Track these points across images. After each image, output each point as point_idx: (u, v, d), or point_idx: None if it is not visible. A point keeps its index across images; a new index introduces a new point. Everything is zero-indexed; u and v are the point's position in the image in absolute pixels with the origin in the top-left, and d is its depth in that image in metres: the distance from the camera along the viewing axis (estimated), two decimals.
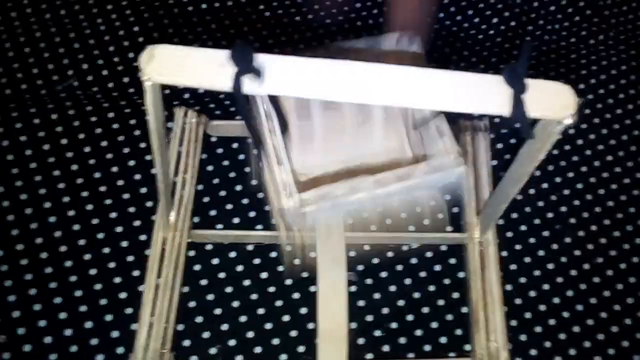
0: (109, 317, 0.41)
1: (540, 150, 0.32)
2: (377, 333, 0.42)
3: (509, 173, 0.37)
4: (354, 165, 0.42)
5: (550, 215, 0.48)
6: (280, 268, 0.43)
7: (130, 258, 0.43)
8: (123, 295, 0.41)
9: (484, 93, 0.28)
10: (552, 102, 0.28)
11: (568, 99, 0.29)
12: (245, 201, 0.46)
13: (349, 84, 0.28)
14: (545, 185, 0.49)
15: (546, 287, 0.45)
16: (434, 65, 0.28)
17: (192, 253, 0.43)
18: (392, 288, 0.44)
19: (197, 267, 0.43)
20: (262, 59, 0.27)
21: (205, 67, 0.27)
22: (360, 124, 0.42)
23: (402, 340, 0.42)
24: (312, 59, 0.28)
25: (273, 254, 0.43)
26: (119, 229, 0.43)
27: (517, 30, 0.58)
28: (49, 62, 0.51)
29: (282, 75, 0.28)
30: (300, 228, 0.39)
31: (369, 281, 0.44)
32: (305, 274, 0.43)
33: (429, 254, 0.45)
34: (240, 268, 0.43)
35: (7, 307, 0.40)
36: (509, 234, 0.47)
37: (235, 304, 0.42)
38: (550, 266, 0.46)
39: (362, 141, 0.42)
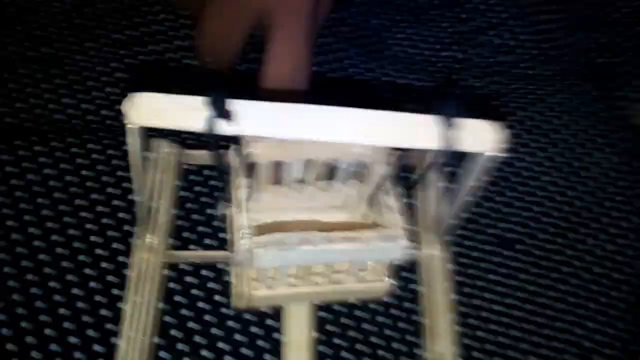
0: (91, 333, 0.44)
1: (473, 176, 0.37)
2: (337, 341, 0.47)
3: (449, 197, 0.42)
4: (310, 222, 0.46)
5: (491, 231, 0.54)
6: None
7: (110, 278, 0.46)
8: (104, 312, 0.45)
9: (418, 130, 0.33)
10: (478, 138, 0.34)
11: (492, 135, 0.34)
12: (216, 224, 0.50)
13: (303, 124, 0.33)
14: (490, 205, 0.55)
15: (488, 295, 0.51)
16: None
17: (168, 272, 0.47)
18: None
19: (172, 285, 0.47)
20: (234, 104, 0.32)
21: (182, 112, 0.32)
22: (324, 188, 0.46)
23: (360, 347, 0.47)
24: (273, 103, 0.33)
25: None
26: (99, 251, 0.47)
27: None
28: (32, 96, 0.55)
29: (249, 118, 0.33)
30: (249, 267, 0.41)
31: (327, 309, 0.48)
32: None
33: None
34: (212, 285, 0.47)
35: None
36: (456, 249, 0.52)
37: (208, 317, 0.46)
38: (492, 277, 0.51)
39: (323, 204, 0.47)
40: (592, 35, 0.70)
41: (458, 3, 0.68)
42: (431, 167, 0.48)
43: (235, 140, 0.38)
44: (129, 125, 0.32)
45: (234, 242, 0.40)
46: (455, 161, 0.34)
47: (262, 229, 0.40)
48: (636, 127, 0.63)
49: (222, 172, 0.38)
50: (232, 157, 0.40)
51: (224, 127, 0.32)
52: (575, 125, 0.60)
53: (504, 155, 0.33)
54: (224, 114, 0.32)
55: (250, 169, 0.40)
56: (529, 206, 0.55)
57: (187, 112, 0.32)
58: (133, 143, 0.33)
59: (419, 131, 0.33)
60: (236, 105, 0.32)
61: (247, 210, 0.39)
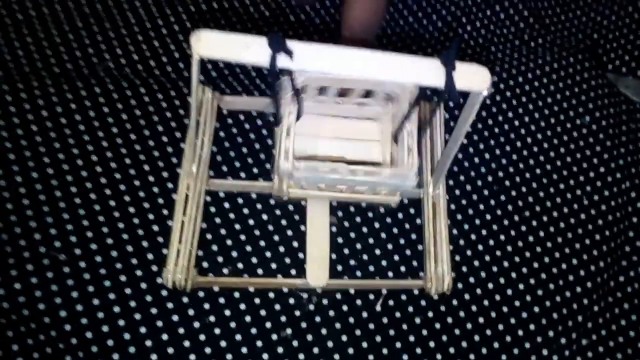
0: (145, 244, 0.52)
1: (469, 116, 0.45)
2: (352, 262, 0.55)
3: (451, 137, 0.50)
4: (340, 155, 0.54)
5: (489, 178, 0.61)
6: (278, 212, 0.55)
7: (160, 200, 0.54)
8: (155, 227, 0.53)
9: (426, 70, 0.41)
10: (474, 79, 0.41)
11: (485, 77, 0.41)
12: (250, 160, 0.57)
13: (343, 63, 0.40)
14: (486, 156, 0.62)
15: (484, 232, 0.58)
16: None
17: (208, 198, 0.55)
18: (364, 230, 0.56)
19: (212, 209, 0.55)
20: (290, 44, 0.40)
21: (247, 48, 0.39)
22: (353, 122, 0.54)
23: (371, 268, 0.55)
24: (320, 44, 0.40)
25: (272, 201, 0.55)
26: (151, 178, 0.55)
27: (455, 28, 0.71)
28: (88, 45, 0.62)
29: (304, 56, 0.40)
30: (288, 183, 0.50)
31: (346, 225, 0.56)
32: (296, 216, 0.55)
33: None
34: (246, 211, 0.55)
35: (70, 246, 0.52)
36: (457, 192, 0.60)
37: (242, 237, 0.54)
38: (488, 217, 0.59)
39: (353, 139, 0.55)
40: (589, 13, 0.78)
41: None
42: (435, 111, 0.56)
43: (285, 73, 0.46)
44: (195, 56, 0.39)
45: (279, 160, 0.48)
46: (457, 98, 0.41)
47: (301, 156, 0.48)
48: (623, 94, 0.70)
49: (276, 99, 0.46)
50: (283, 85, 0.47)
51: (281, 62, 0.39)
52: (567, 91, 0.67)
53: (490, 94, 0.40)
54: (283, 50, 0.39)
55: (299, 94, 0.47)
56: (524, 156, 0.63)
57: (251, 48, 0.39)
58: (196, 74, 0.41)
59: (427, 71, 0.41)
60: (292, 45, 0.40)
61: (293, 134, 0.47)
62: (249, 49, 0.40)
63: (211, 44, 0.39)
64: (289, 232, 0.55)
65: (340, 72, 0.41)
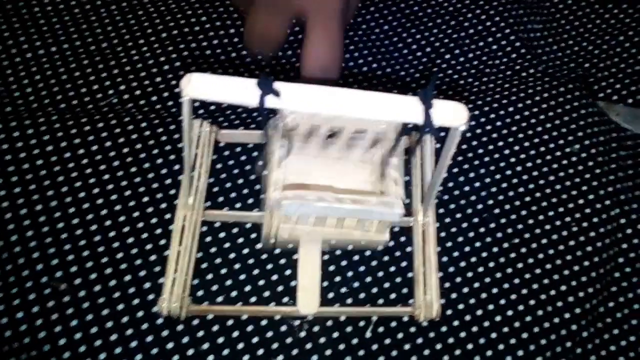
0: (142, 273, 0.54)
1: (449, 149, 0.47)
2: (343, 290, 0.57)
3: (436, 168, 0.52)
4: (327, 185, 0.55)
5: (479, 206, 0.63)
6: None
7: (158, 231, 0.56)
8: (153, 257, 0.55)
9: (405, 108, 0.43)
10: (451, 115, 0.43)
11: (462, 113, 0.43)
12: (245, 191, 0.60)
13: (329, 102, 0.42)
14: (476, 184, 0.64)
15: (473, 259, 0.60)
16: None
17: (204, 228, 0.57)
18: (355, 257, 0.58)
19: (208, 239, 0.57)
20: (278, 85, 0.42)
21: (235, 89, 0.41)
22: (341, 162, 0.56)
23: (362, 295, 0.56)
24: (308, 85, 0.42)
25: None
26: (149, 210, 0.57)
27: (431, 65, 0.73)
28: (93, 82, 0.66)
29: (292, 96, 0.42)
30: (278, 215, 0.52)
31: (338, 252, 0.58)
32: (290, 246, 0.57)
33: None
34: (240, 240, 0.57)
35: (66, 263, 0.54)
36: (447, 219, 0.61)
37: (237, 266, 0.56)
38: (477, 244, 0.60)
39: (339, 172, 0.56)
40: (581, 42, 0.79)
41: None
42: (420, 141, 0.58)
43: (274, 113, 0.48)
44: (184, 98, 0.42)
45: (268, 193, 0.49)
46: (436, 133, 0.43)
47: (290, 187, 0.50)
48: (614, 122, 0.72)
49: (265, 140, 0.48)
50: (270, 127, 0.50)
51: (271, 102, 0.42)
52: (558, 119, 0.69)
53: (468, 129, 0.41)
54: (272, 92, 0.41)
55: (286, 136, 0.50)
56: (513, 184, 0.64)
57: (241, 89, 0.41)
58: (187, 113, 0.43)
59: (407, 108, 0.43)
60: (281, 86, 0.42)
61: (284, 165, 0.49)
62: (238, 91, 0.42)
63: (201, 86, 0.42)
64: (282, 261, 0.56)
65: (323, 110, 0.43)
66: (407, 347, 0.55)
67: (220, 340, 0.53)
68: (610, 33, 0.80)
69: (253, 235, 0.57)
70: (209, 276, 0.55)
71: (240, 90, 0.42)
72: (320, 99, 0.43)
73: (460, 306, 0.57)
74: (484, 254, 0.60)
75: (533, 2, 0.82)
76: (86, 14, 0.71)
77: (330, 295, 0.56)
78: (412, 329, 0.55)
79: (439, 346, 0.55)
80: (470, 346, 0.55)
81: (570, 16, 0.82)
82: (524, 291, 0.58)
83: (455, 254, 0.60)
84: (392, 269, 0.58)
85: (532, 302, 0.58)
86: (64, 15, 0.71)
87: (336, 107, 0.43)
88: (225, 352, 0.52)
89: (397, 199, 0.51)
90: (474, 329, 0.56)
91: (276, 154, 0.50)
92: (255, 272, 0.56)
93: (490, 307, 0.57)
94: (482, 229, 0.61)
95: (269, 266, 0.56)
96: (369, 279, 0.57)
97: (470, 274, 0.59)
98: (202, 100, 0.42)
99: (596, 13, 0.82)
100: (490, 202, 0.63)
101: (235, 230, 0.58)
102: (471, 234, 0.61)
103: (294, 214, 0.50)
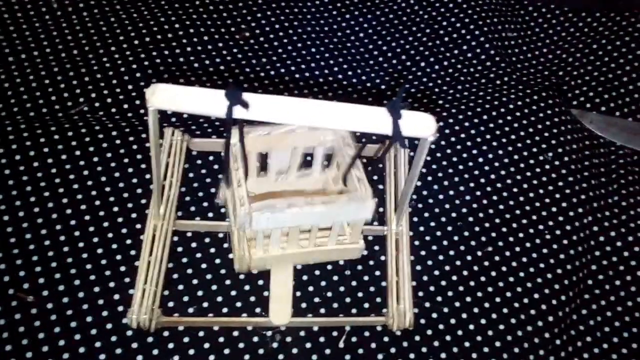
0: (111, 284, 0.54)
1: (419, 159, 0.47)
2: (316, 299, 0.56)
3: (407, 178, 0.51)
4: (296, 192, 0.56)
5: (453, 214, 0.63)
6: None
7: (128, 241, 0.56)
8: (123, 268, 0.54)
9: (374, 119, 0.43)
10: (419, 126, 0.43)
11: (430, 124, 0.43)
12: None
13: (295, 112, 0.42)
14: (450, 192, 0.64)
15: (447, 267, 0.60)
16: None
17: (176, 238, 0.56)
18: (329, 267, 0.58)
19: (179, 249, 0.56)
20: (248, 96, 0.41)
21: (204, 100, 0.41)
22: (303, 173, 0.57)
23: (335, 305, 0.56)
24: (274, 96, 0.42)
25: None
26: (119, 219, 0.57)
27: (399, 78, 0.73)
28: (64, 90, 0.65)
29: (261, 107, 0.42)
30: (247, 229, 0.49)
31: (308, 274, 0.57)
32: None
33: None
34: (212, 250, 0.57)
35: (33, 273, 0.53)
36: (421, 228, 0.61)
37: (208, 276, 0.55)
38: (451, 252, 0.60)
39: (303, 181, 0.57)
40: (556, 51, 0.80)
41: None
42: (388, 151, 0.57)
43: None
44: (150, 108, 0.41)
45: (235, 209, 0.49)
46: (404, 143, 0.43)
47: (257, 199, 0.49)
48: (587, 130, 0.72)
49: (226, 159, 0.48)
50: (232, 146, 0.49)
51: (239, 113, 0.41)
52: (531, 127, 0.69)
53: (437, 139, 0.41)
54: (241, 103, 0.40)
55: (242, 158, 0.49)
56: (487, 192, 0.64)
57: (209, 100, 0.41)
58: (153, 123, 0.43)
59: (375, 120, 0.43)
60: (249, 97, 0.41)
61: (244, 182, 0.48)
62: (206, 102, 0.41)
63: (166, 97, 0.41)
64: (254, 270, 0.56)
65: (292, 122, 0.43)
66: (380, 356, 0.54)
67: (192, 352, 0.52)
68: (584, 42, 0.81)
69: (225, 245, 0.57)
70: (180, 287, 0.55)
71: (207, 101, 0.41)
72: (289, 110, 0.42)
73: (434, 315, 0.57)
74: (458, 263, 0.60)
75: (508, 11, 0.83)
76: (57, 20, 0.71)
77: (303, 305, 0.55)
78: (386, 339, 0.55)
79: (412, 355, 0.55)
80: (443, 355, 0.55)
81: (545, 25, 0.83)
82: (497, 299, 0.58)
83: (429, 262, 0.60)
84: (366, 278, 0.58)
85: (505, 310, 0.58)
86: (34, 22, 0.70)
87: (305, 118, 0.43)
88: None
89: (367, 192, 0.50)
90: (447, 337, 0.56)
91: (234, 174, 0.49)
92: (227, 282, 0.55)
93: (464, 315, 0.57)
94: (455, 237, 0.61)
95: (242, 276, 0.56)
96: (342, 289, 0.57)
97: (443, 283, 0.59)
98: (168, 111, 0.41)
99: (570, 22, 0.83)
100: (464, 210, 0.63)
101: (207, 240, 0.57)
102: (445, 243, 0.61)
103: (265, 227, 0.49)
